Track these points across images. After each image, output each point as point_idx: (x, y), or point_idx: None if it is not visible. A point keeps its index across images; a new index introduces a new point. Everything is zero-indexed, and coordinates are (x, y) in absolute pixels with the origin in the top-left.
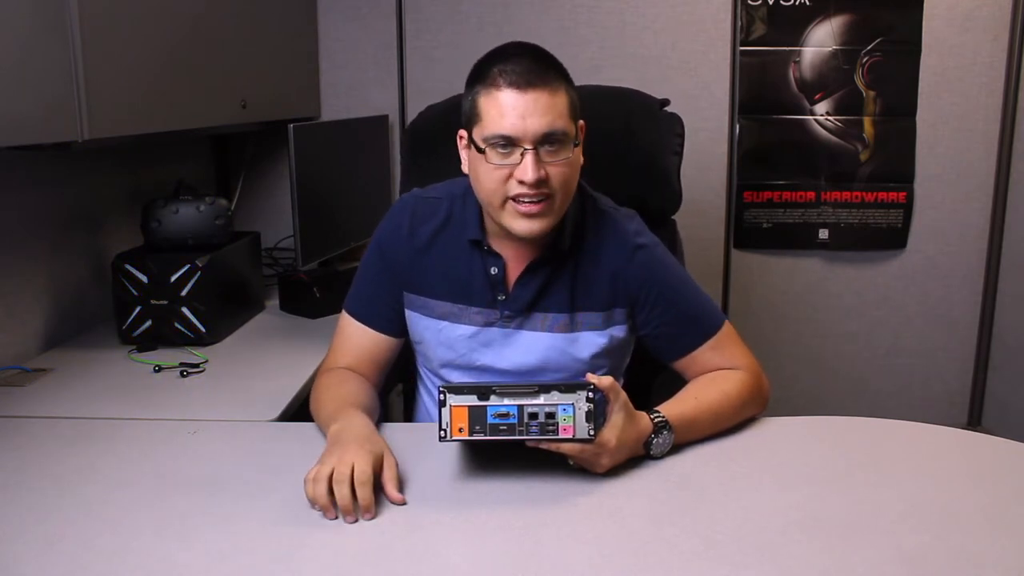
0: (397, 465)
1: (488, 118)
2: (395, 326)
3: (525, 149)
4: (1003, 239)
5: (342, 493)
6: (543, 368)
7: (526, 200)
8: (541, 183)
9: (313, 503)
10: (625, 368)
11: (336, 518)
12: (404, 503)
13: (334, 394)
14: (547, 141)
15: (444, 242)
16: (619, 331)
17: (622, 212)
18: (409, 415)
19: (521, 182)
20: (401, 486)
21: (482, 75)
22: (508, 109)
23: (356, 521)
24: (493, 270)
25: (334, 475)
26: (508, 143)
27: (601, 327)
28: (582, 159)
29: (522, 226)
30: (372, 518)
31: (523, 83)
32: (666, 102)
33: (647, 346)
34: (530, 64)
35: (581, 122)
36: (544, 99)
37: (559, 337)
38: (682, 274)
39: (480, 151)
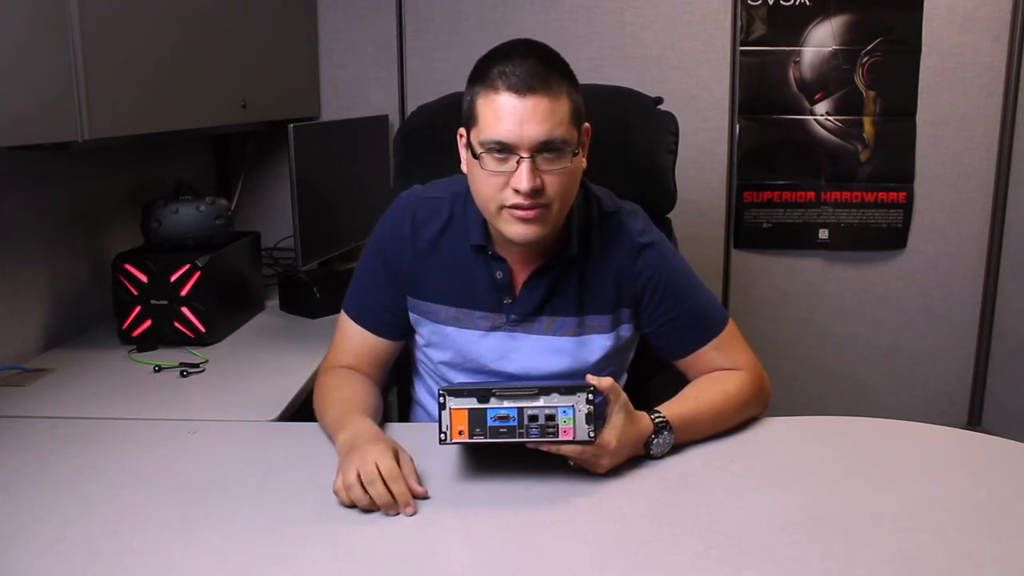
0: (413, 460)
1: (485, 122)
2: (395, 329)
3: (521, 157)
4: (1003, 239)
5: (378, 491)
6: (550, 371)
7: (521, 207)
8: (537, 192)
9: (353, 506)
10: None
11: (378, 511)
12: (427, 496)
13: (338, 396)
14: (545, 149)
15: (447, 245)
16: (625, 330)
17: (626, 210)
18: (404, 417)
19: (516, 191)
20: (420, 479)
21: (482, 75)
22: (505, 115)
23: (399, 515)
24: (498, 274)
25: (363, 477)
26: (504, 149)
27: (609, 329)
28: (584, 163)
29: (517, 231)
30: (414, 512)
31: (522, 87)
32: (659, 100)
33: (650, 344)
34: (532, 67)
35: (586, 125)
36: (544, 105)
37: (567, 340)
38: (687, 271)
39: (476, 155)
